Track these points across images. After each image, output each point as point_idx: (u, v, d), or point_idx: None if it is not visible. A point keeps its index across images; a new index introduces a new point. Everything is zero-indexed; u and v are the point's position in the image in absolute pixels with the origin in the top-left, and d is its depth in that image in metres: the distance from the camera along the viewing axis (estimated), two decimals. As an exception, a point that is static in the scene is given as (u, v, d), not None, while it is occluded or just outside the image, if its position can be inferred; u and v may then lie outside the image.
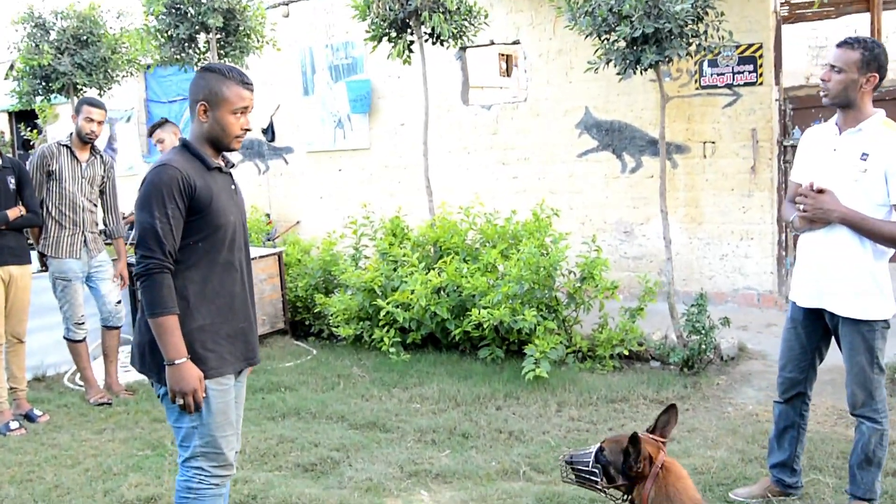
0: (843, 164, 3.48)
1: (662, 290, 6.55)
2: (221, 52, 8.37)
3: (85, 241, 5.80)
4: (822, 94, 3.55)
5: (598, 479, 2.81)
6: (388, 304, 6.63)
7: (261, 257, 7.56)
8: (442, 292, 6.74)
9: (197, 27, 8.08)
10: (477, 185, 9.36)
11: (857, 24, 10.62)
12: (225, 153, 3.04)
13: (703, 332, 6.01)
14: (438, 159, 9.46)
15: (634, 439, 2.70)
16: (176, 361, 2.77)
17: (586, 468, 2.83)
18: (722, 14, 6.08)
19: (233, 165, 3.09)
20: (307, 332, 7.88)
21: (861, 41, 3.44)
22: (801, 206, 3.46)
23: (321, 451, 4.72)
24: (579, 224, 8.79)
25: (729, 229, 8.15)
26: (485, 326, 6.27)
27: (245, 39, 8.52)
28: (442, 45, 7.31)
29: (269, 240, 9.50)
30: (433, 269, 6.87)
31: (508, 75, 13.73)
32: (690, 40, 6.00)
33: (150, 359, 2.90)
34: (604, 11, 5.91)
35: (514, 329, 6.27)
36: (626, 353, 6.37)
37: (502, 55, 13.33)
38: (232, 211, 2.97)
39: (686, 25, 5.84)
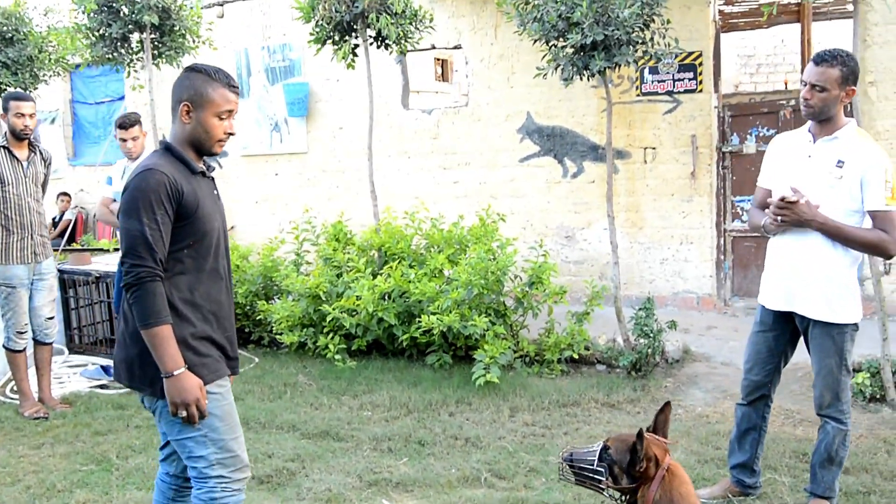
0: (819, 171, 3.53)
1: (607, 294, 6.61)
2: (155, 52, 8.12)
3: (34, 245, 5.55)
4: (804, 111, 3.56)
5: (603, 479, 2.74)
6: (334, 309, 6.52)
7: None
8: (388, 298, 6.67)
9: (130, 26, 7.81)
10: (417, 190, 9.30)
11: (786, 35, 10.99)
12: (206, 157, 2.92)
13: (651, 335, 6.07)
14: (379, 163, 9.34)
15: (640, 437, 2.65)
16: (175, 372, 2.64)
17: (590, 467, 2.75)
18: (668, 22, 6.17)
19: (214, 170, 2.97)
20: (247, 339, 7.68)
21: (838, 57, 3.45)
22: (779, 217, 3.50)
23: (275, 462, 4.59)
24: (521, 229, 8.81)
25: (669, 234, 8.28)
26: (434, 332, 6.22)
27: (180, 39, 8.28)
28: (387, 48, 7.23)
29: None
30: (379, 274, 6.78)
31: (445, 80, 13.70)
32: (637, 47, 6.06)
33: (139, 372, 2.75)
34: (553, 18, 5.92)
35: (462, 335, 6.24)
36: (576, 357, 6.40)
37: (438, 60, 13.29)
38: (216, 217, 2.86)
39: (633, 32, 5.91)
